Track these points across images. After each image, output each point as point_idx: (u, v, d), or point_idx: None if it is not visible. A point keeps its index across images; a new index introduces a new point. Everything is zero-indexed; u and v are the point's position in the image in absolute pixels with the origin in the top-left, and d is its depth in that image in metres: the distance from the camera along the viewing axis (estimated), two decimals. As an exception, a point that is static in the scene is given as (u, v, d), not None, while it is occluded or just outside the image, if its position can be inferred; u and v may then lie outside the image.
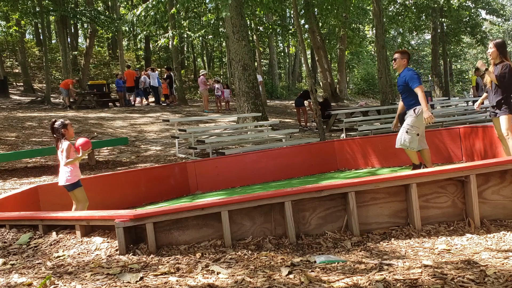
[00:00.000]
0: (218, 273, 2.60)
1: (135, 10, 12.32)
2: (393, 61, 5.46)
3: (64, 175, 4.65)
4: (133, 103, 19.59)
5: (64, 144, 4.59)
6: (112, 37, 29.93)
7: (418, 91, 5.12)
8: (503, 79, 5.19)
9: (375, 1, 15.12)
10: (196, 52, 34.91)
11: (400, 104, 5.77)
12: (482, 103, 5.98)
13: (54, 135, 4.70)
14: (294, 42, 24.83)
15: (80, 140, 4.75)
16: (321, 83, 24.71)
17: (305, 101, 14.77)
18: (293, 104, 21.97)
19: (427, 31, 28.55)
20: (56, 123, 4.68)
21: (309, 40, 21.80)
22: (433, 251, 3.00)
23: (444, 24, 26.21)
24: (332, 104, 17.66)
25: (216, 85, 18.58)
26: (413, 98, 5.24)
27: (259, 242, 3.27)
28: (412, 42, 42.81)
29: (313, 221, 3.45)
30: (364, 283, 2.30)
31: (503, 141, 5.50)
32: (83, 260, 3.02)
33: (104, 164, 9.17)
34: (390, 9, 24.05)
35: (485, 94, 5.85)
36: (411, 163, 5.65)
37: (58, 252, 3.30)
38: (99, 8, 28.16)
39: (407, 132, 5.26)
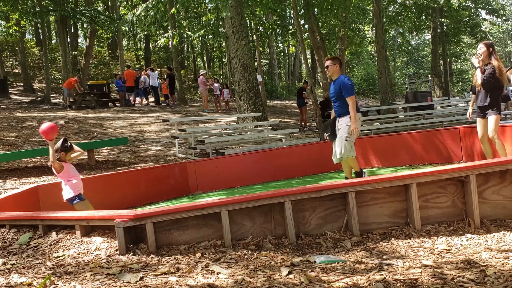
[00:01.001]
0: (218, 273, 2.60)
1: (135, 10, 12.32)
2: (325, 69, 5.33)
3: (64, 191, 4.65)
4: (133, 103, 19.60)
5: (54, 163, 4.49)
6: (112, 37, 29.94)
7: (350, 101, 5.09)
8: (487, 82, 5.22)
9: (375, 1, 15.12)
10: (196, 52, 34.91)
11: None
12: (474, 110, 5.90)
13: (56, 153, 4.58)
14: (294, 42, 24.82)
15: (45, 125, 4.46)
16: (321, 83, 24.70)
17: (303, 92, 14.76)
18: (293, 104, 22.00)
19: (427, 31, 28.54)
20: (65, 143, 4.61)
21: (309, 40, 21.78)
22: (433, 251, 3.00)
23: (444, 24, 26.21)
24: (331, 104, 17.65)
25: (215, 85, 18.58)
26: (347, 106, 5.17)
27: (259, 242, 3.27)
28: (412, 42, 42.81)
29: (313, 221, 3.45)
30: (364, 283, 2.30)
31: (485, 144, 5.52)
32: (83, 260, 3.02)
33: (104, 164, 9.17)
34: (390, 9, 24.04)
35: (473, 97, 5.85)
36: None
37: (58, 252, 3.30)
38: (99, 8, 28.17)
39: (346, 140, 5.18)
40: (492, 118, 5.29)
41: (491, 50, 5.31)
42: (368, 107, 17.05)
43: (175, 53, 19.69)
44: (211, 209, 3.25)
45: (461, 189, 3.58)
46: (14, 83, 24.70)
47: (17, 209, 4.64)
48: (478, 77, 5.46)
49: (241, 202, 3.29)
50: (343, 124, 5.23)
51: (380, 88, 16.10)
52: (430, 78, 31.05)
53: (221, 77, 29.07)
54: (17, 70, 26.40)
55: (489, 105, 5.32)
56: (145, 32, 18.19)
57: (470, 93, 5.88)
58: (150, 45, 31.47)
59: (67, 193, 4.64)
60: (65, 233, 3.64)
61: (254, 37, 22.69)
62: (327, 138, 5.56)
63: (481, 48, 5.36)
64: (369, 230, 3.47)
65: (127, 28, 13.09)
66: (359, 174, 5.39)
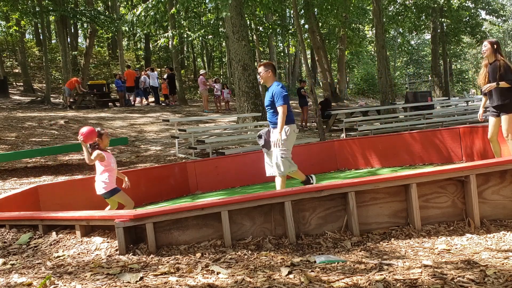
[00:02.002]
0: (218, 273, 2.60)
1: (135, 10, 12.32)
2: (258, 75, 4.95)
3: (100, 184, 4.58)
4: (133, 103, 19.60)
5: (94, 153, 4.50)
6: (112, 37, 29.94)
7: (280, 109, 4.63)
8: (510, 78, 5.12)
9: (375, 1, 15.12)
10: (196, 52, 34.92)
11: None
12: (484, 110, 5.73)
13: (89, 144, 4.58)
14: (294, 42, 24.84)
15: (85, 128, 4.58)
16: (321, 83, 24.72)
17: (302, 90, 14.78)
18: (293, 104, 21.98)
19: (427, 31, 28.54)
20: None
21: (309, 40, 21.80)
22: (433, 251, 3.00)
23: (444, 24, 26.21)
24: (332, 104, 17.68)
25: (216, 85, 18.57)
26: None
27: (259, 242, 3.27)
28: (412, 42, 42.82)
29: (313, 221, 3.45)
30: (364, 283, 2.30)
31: (494, 143, 5.44)
32: (83, 260, 3.02)
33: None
34: (390, 9, 24.05)
35: (483, 100, 5.76)
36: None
37: (58, 252, 3.30)
38: (99, 8, 28.17)
39: (282, 157, 4.73)
40: (506, 117, 5.18)
41: (495, 47, 5.22)
42: (368, 107, 17.05)
43: (175, 53, 19.69)
44: (211, 209, 3.25)
45: (461, 189, 3.58)
46: (14, 83, 24.70)
47: (17, 209, 4.64)
48: (482, 79, 5.37)
49: (241, 202, 3.29)
50: (275, 139, 4.75)
51: (380, 88, 16.10)
52: (430, 78, 31.05)
53: (221, 77, 29.07)
54: (17, 70, 26.40)
55: (504, 104, 5.19)
56: (145, 32, 18.21)
57: (471, 92, 5.80)
58: (150, 45, 31.47)
59: (110, 184, 4.57)
60: (65, 233, 3.64)
61: (254, 37, 22.68)
62: (262, 148, 5.04)
63: (485, 45, 5.28)
64: (369, 230, 3.47)
65: (127, 28, 13.08)
66: (306, 182, 5.09)
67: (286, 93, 4.72)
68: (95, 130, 4.63)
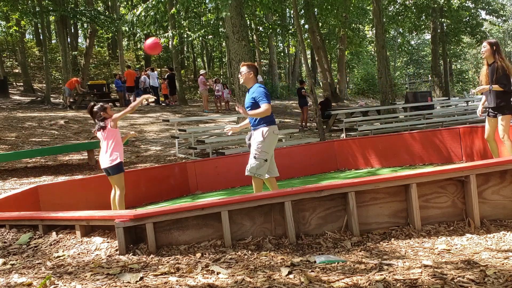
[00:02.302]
0: (218, 273, 2.60)
1: (135, 10, 12.32)
2: (239, 75, 4.74)
3: (107, 156, 4.51)
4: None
5: (114, 115, 4.52)
6: (112, 37, 29.94)
7: (264, 107, 4.41)
8: (503, 82, 5.14)
9: (375, 1, 15.12)
10: (196, 52, 34.92)
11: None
12: (484, 110, 5.69)
13: (95, 120, 4.61)
14: (294, 42, 24.84)
15: (150, 40, 4.59)
16: (321, 83, 24.72)
17: (302, 90, 14.78)
18: (293, 104, 21.99)
19: (427, 31, 28.53)
20: (96, 106, 4.62)
21: (309, 40, 21.79)
22: (433, 251, 3.00)
23: (444, 24, 26.20)
24: (332, 104, 17.68)
25: (217, 86, 18.56)
26: (262, 118, 4.52)
27: (259, 242, 3.27)
28: (412, 42, 42.82)
29: (313, 221, 3.45)
30: (364, 283, 2.30)
31: (491, 142, 5.48)
32: (83, 260, 3.02)
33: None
34: (390, 9, 24.04)
35: (483, 98, 5.77)
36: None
37: (58, 252, 3.30)
38: (99, 8, 28.16)
39: (255, 157, 4.49)
40: (502, 119, 5.20)
41: (494, 48, 5.20)
42: (368, 107, 17.04)
43: (175, 53, 19.69)
44: (211, 209, 3.25)
45: (461, 189, 3.58)
46: (14, 83, 24.70)
47: (17, 209, 4.64)
48: (483, 77, 5.39)
49: (241, 202, 3.29)
50: (255, 139, 4.55)
51: (380, 88, 16.10)
52: (430, 78, 31.05)
53: (221, 77, 29.08)
54: (17, 70, 26.40)
55: (500, 106, 5.21)
56: (145, 32, 18.18)
57: (471, 92, 5.81)
58: (150, 45, 31.39)
59: (115, 157, 4.52)
60: (65, 233, 3.64)
61: (254, 37, 22.68)
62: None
63: (485, 46, 5.28)
64: (369, 230, 3.47)
65: (127, 28, 13.08)
66: None
67: (267, 93, 4.57)
68: (158, 42, 4.68)
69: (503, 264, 2.58)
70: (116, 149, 4.56)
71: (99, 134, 4.64)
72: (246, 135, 4.87)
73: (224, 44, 25.10)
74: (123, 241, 3.10)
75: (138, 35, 19.53)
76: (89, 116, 4.91)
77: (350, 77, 37.96)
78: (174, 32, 16.58)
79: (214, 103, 18.90)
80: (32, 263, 3.06)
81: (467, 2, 25.85)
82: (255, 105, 4.54)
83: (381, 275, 2.42)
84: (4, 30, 25.86)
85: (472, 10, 26.41)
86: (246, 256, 2.97)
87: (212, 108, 18.39)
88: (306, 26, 20.80)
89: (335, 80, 25.14)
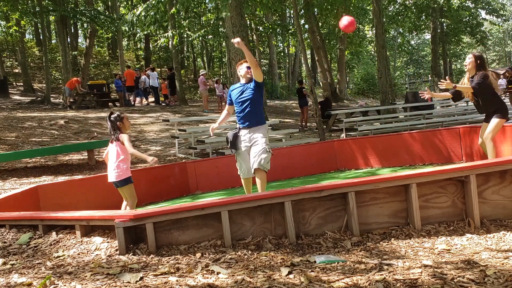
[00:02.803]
0: (218, 273, 2.60)
1: (135, 10, 12.33)
2: (247, 69, 4.75)
3: (114, 171, 4.48)
4: (133, 103, 19.60)
5: (124, 137, 4.43)
6: (112, 37, 29.95)
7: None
8: (478, 86, 5.11)
9: (375, 1, 15.12)
10: (196, 52, 34.93)
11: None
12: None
13: (111, 129, 4.52)
14: (294, 42, 24.84)
15: (346, 20, 4.69)
16: (321, 83, 24.72)
17: (303, 90, 14.79)
18: (293, 104, 21.99)
19: (427, 31, 28.55)
20: (113, 115, 4.54)
21: (309, 40, 21.80)
22: (433, 251, 3.00)
23: (444, 24, 26.22)
24: (332, 104, 17.69)
25: (218, 86, 18.53)
26: (262, 118, 4.65)
27: (259, 242, 3.27)
28: (412, 42, 42.83)
29: (313, 221, 3.45)
30: (364, 283, 2.30)
31: (483, 146, 5.48)
32: (83, 260, 3.02)
33: (104, 164, 9.15)
34: (390, 9, 24.05)
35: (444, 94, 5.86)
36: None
37: (58, 252, 3.30)
38: (99, 8, 28.17)
39: (266, 151, 4.52)
40: (494, 121, 5.21)
41: (478, 62, 5.18)
42: (368, 107, 17.04)
43: (175, 53, 19.69)
44: (211, 209, 3.25)
45: (461, 189, 3.58)
46: (14, 83, 24.71)
47: (17, 209, 4.64)
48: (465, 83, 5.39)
49: (241, 202, 3.29)
50: (259, 135, 4.56)
51: (380, 88, 16.11)
52: (430, 78, 31.05)
53: (221, 77, 29.09)
54: (17, 70, 26.41)
55: (494, 111, 5.22)
56: (145, 32, 18.20)
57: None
58: (150, 45, 31.48)
59: (126, 172, 4.49)
60: (65, 233, 3.64)
61: (254, 37, 22.68)
62: (231, 150, 4.80)
63: (470, 58, 5.27)
64: (369, 230, 3.47)
65: (127, 28, 13.10)
66: None
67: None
68: (353, 21, 4.83)
69: (503, 264, 2.58)
70: (123, 162, 4.51)
71: (110, 145, 4.57)
72: (229, 133, 4.76)
73: (224, 44, 25.12)
74: (123, 241, 3.10)
75: (138, 35, 19.56)
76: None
77: (350, 77, 37.97)
78: (174, 32, 16.59)
79: (217, 104, 18.90)
80: (32, 263, 3.06)
81: (467, 2, 25.86)
82: (257, 100, 4.58)
83: (381, 275, 2.42)
84: (4, 30, 25.87)
85: (472, 10, 26.43)
86: (246, 256, 2.97)
87: (213, 108, 18.39)
88: (306, 26, 20.81)
89: (335, 80, 25.15)
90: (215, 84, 18.93)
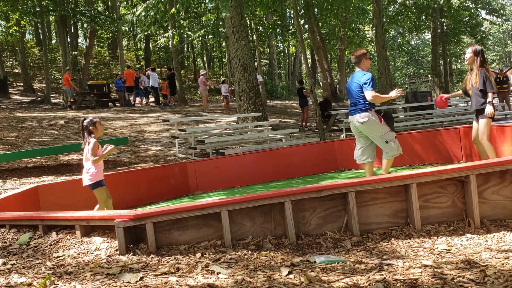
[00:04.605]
0: (218, 273, 2.60)
1: (135, 10, 12.32)
2: (356, 60, 5.31)
3: (86, 175, 4.61)
4: (133, 103, 19.60)
5: (91, 141, 4.54)
6: (112, 37, 29.95)
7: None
8: (484, 85, 5.22)
9: (375, 1, 15.12)
10: (196, 52, 34.93)
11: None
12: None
13: (83, 132, 4.67)
14: (294, 42, 24.84)
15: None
16: (321, 83, 24.71)
17: (303, 90, 14.78)
18: (293, 104, 21.98)
19: (427, 31, 28.55)
20: (86, 120, 4.66)
21: (309, 40, 21.79)
22: (433, 251, 3.00)
23: (444, 24, 26.23)
24: (332, 104, 17.68)
25: (223, 87, 18.44)
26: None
27: (259, 242, 3.27)
28: (412, 42, 42.83)
29: (313, 221, 3.45)
30: (364, 283, 2.30)
31: (478, 145, 5.56)
32: (83, 260, 3.02)
33: (104, 164, 9.15)
34: (390, 9, 24.04)
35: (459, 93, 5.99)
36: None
37: (58, 252, 3.31)
38: (99, 8, 28.17)
39: (387, 141, 5.30)
40: (482, 121, 5.34)
41: (477, 57, 5.29)
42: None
43: (175, 53, 19.69)
44: (211, 209, 3.25)
45: (461, 189, 3.58)
46: (14, 83, 24.71)
47: (17, 209, 4.64)
48: (467, 81, 5.48)
49: (241, 202, 3.29)
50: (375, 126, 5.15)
51: (380, 88, 16.10)
52: (430, 78, 31.05)
53: (221, 77, 29.09)
54: (17, 70, 26.40)
55: (482, 109, 5.35)
56: (145, 32, 18.20)
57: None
58: (150, 45, 31.48)
59: (97, 175, 4.60)
60: (65, 233, 3.64)
61: (254, 37, 22.68)
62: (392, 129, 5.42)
63: (469, 52, 5.39)
64: (369, 230, 3.47)
65: (127, 28, 13.10)
66: None
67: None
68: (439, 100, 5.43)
69: (503, 264, 2.58)
70: (94, 165, 4.60)
71: (85, 149, 4.67)
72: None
73: (224, 44, 25.11)
74: (123, 241, 3.10)
75: (138, 36, 19.58)
76: (89, 116, 4.95)
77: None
78: (174, 32, 16.58)
79: (216, 103, 18.85)
80: (32, 263, 3.06)
81: (467, 2, 25.87)
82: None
83: (381, 275, 2.42)
84: (4, 30, 25.88)
85: (472, 10, 26.43)
86: (246, 256, 2.97)
87: (213, 108, 18.38)
88: (306, 26, 20.80)
89: (335, 80, 25.14)
90: (221, 85, 18.86)
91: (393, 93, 5.05)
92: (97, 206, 4.78)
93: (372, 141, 5.26)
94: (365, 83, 4.94)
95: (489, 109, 5.23)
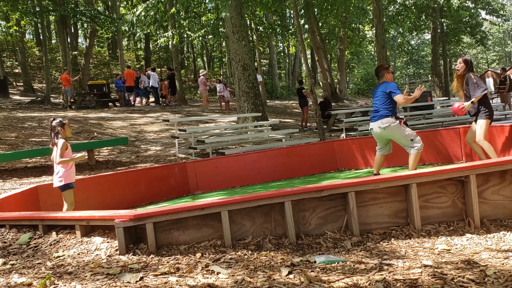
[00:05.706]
0: (218, 273, 2.60)
1: (135, 10, 12.32)
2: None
3: (56, 176, 4.64)
4: (133, 103, 19.59)
5: (59, 142, 4.57)
6: (112, 37, 29.95)
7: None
8: (474, 88, 5.34)
9: (375, 1, 15.11)
10: (196, 52, 34.93)
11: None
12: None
13: (51, 133, 4.70)
14: (294, 42, 24.84)
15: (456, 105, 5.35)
16: (321, 83, 24.71)
17: (303, 90, 14.77)
18: (293, 104, 21.98)
19: (427, 31, 28.54)
20: (54, 121, 4.69)
21: (309, 40, 21.79)
22: (433, 251, 3.00)
23: (444, 24, 26.21)
24: (332, 104, 17.67)
25: (218, 86, 18.50)
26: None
27: (259, 242, 3.27)
28: (412, 42, 42.83)
29: (313, 221, 3.45)
30: (364, 283, 2.30)
31: (472, 145, 5.64)
32: (83, 260, 3.02)
33: (104, 164, 9.17)
34: (390, 9, 24.04)
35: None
36: (407, 164, 5.83)
37: (58, 252, 3.30)
38: (99, 8, 28.17)
39: (412, 140, 5.44)
40: (480, 123, 5.44)
41: (467, 67, 5.51)
42: (368, 107, 17.02)
43: (175, 53, 19.68)
44: (211, 209, 3.25)
45: (461, 189, 3.58)
46: (14, 83, 24.70)
47: (17, 209, 4.65)
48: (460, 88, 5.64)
49: (241, 202, 3.29)
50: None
51: (380, 88, 16.06)
52: (430, 78, 31.05)
53: (221, 77, 29.10)
54: (17, 70, 26.40)
55: (478, 111, 5.47)
56: (145, 32, 18.19)
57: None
58: (150, 45, 31.47)
59: (68, 178, 4.62)
60: (65, 233, 3.64)
61: (254, 37, 22.68)
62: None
63: (460, 62, 5.60)
64: (369, 230, 3.47)
65: (127, 28, 13.08)
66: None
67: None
68: (457, 107, 5.45)
69: (503, 264, 2.58)
70: (63, 167, 4.61)
71: (54, 150, 4.67)
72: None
73: (224, 44, 25.11)
74: (123, 241, 3.10)
75: (138, 35, 19.57)
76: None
77: (350, 77, 37.98)
78: (174, 32, 16.58)
79: (215, 103, 18.87)
80: (32, 263, 3.06)
81: (467, 2, 25.86)
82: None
83: (381, 275, 2.42)
84: (4, 30, 25.88)
85: (472, 10, 26.41)
86: (246, 256, 2.97)
87: (213, 108, 18.38)
88: (306, 26, 20.79)
89: (335, 80, 25.14)
90: (216, 84, 18.89)
91: (417, 92, 5.26)
92: (65, 207, 4.79)
93: (389, 141, 5.67)
94: (393, 91, 5.36)
95: (466, 105, 5.41)
